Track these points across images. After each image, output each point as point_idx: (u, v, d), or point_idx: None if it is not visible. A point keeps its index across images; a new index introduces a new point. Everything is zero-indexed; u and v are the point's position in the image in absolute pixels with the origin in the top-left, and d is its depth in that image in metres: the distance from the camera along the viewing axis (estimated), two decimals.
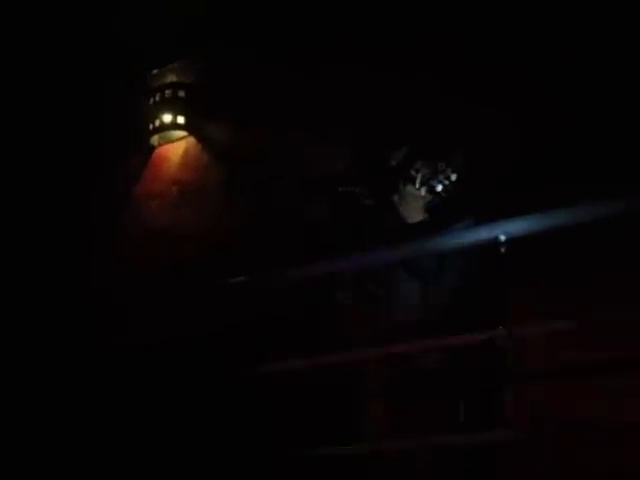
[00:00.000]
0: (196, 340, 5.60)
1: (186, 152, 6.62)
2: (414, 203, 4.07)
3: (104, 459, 5.69)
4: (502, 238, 3.41)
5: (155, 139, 6.72)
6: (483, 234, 3.53)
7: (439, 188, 3.93)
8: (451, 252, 3.74)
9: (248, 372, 4.00)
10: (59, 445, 5.94)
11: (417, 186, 4.00)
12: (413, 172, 4.04)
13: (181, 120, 6.60)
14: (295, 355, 3.94)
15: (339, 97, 5.59)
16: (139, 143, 6.75)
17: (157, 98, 6.65)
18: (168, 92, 6.63)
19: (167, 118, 6.60)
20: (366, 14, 5.55)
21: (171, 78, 6.67)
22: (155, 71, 6.72)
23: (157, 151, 6.76)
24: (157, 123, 6.63)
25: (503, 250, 3.41)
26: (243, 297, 4.50)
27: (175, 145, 6.69)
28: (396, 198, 4.15)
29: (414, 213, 4.09)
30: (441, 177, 3.92)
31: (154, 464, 5.40)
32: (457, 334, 3.59)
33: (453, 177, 3.92)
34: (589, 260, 4.37)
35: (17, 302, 6.48)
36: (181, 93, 6.63)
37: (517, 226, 3.43)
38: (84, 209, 6.75)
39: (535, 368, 4.32)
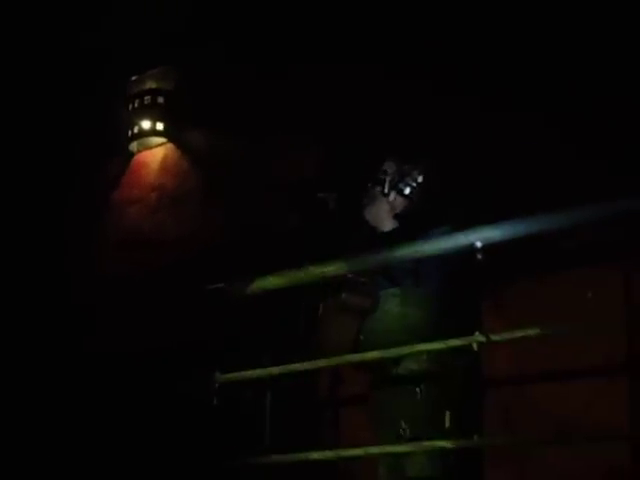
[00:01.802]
0: (167, 348, 5.62)
1: (165, 158, 6.63)
2: (384, 206, 4.08)
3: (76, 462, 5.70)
4: (478, 245, 3.41)
5: (134, 145, 6.72)
6: (459, 240, 3.54)
7: (407, 191, 3.93)
8: (428, 258, 3.75)
9: (213, 380, 4.00)
10: (34, 447, 5.93)
11: (386, 190, 4.00)
12: (381, 175, 4.06)
13: (160, 127, 6.61)
14: (271, 362, 3.95)
15: (315, 103, 5.60)
16: (118, 149, 6.75)
17: (136, 104, 6.66)
18: (147, 98, 6.63)
19: (146, 124, 6.60)
20: (335, 23, 5.57)
21: (150, 84, 6.67)
22: (134, 77, 6.71)
23: (136, 157, 6.76)
24: (136, 129, 6.63)
25: (480, 256, 3.42)
26: (220, 304, 4.49)
27: (154, 151, 6.69)
28: (366, 201, 4.16)
29: (385, 217, 4.09)
30: (408, 179, 3.93)
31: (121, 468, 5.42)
32: (435, 340, 3.60)
33: (419, 179, 3.92)
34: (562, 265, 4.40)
35: None
36: (160, 99, 6.64)
37: (494, 232, 3.44)
38: (62, 214, 6.74)
39: (511, 373, 4.35)
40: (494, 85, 4.83)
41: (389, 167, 4.08)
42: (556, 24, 4.72)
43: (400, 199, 4.01)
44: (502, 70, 4.88)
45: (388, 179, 4.01)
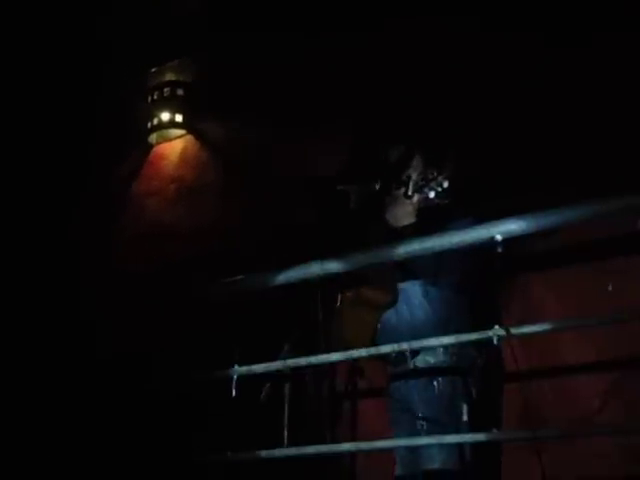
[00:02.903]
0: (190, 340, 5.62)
1: (184, 150, 6.62)
2: (407, 208, 4.05)
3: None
4: (499, 238, 3.41)
5: (153, 137, 6.72)
6: (480, 234, 3.53)
7: (431, 195, 3.92)
8: (448, 252, 3.73)
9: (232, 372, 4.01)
10: (45, 448, 5.94)
11: (410, 193, 3.98)
12: (405, 177, 4.03)
13: (179, 118, 6.60)
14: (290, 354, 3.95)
15: (337, 96, 5.58)
16: (137, 141, 6.75)
17: (155, 96, 6.65)
18: (166, 90, 6.63)
19: (165, 116, 6.59)
20: (361, 14, 5.55)
21: (170, 76, 6.67)
22: (154, 69, 6.71)
23: (155, 149, 6.75)
24: (155, 121, 6.63)
25: (500, 250, 3.41)
26: (236, 297, 4.49)
27: (173, 143, 6.68)
28: (388, 201, 4.14)
29: (406, 218, 4.06)
30: (433, 184, 3.91)
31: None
32: (455, 333, 3.59)
33: (445, 184, 3.91)
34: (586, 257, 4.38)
35: (4, 304, 6.46)
36: (179, 91, 6.63)
37: (514, 226, 3.43)
38: (80, 207, 6.74)
39: (532, 368, 4.33)
40: (521, 84, 4.80)
41: (414, 169, 4.05)
42: None
43: (423, 201, 3.99)
44: (527, 71, 4.86)
45: (412, 182, 3.99)
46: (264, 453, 3.93)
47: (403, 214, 4.04)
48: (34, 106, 6.77)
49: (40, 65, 6.70)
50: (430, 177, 3.95)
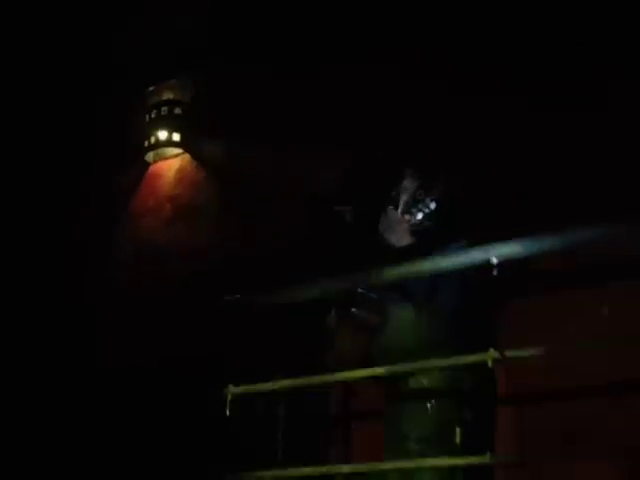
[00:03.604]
0: (180, 361, 5.60)
1: (181, 169, 6.63)
2: (400, 225, 4.05)
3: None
4: (494, 260, 3.40)
5: (150, 156, 6.73)
6: (475, 256, 3.53)
7: (419, 217, 3.94)
8: (444, 274, 3.74)
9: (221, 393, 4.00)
10: (45, 463, 5.92)
11: (399, 212, 4.00)
12: (396, 196, 4.04)
13: (176, 137, 6.61)
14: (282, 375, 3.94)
15: (332, 118, 5.60)
16: (134, 159, 6.76)
17: (153, 115, 6.66)
18: (164, 109, 6.64)
19: (163, 135, 6.60)
20: (358, 33, 5.57)
21: (167, 95, 6.68)
22: (152, 88, 6.72)
23: (152, 168, 6.76)
24: (152, 140, 6.64)
25: (495, 272, 3.40)
26: (233, 317, 4.48)
27: (170, 162, 6.69)
28: (383, 220, 4.14)
29: (401, 234, 4.06)
30: (420, 206, 3.93)
31: None
32: (449, 356, 3.59)
33: (432, 206, 3.92)
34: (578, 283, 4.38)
35: (6, 316, 6.46)
36: (177, 110, 6.65)
37: (510, 249, 3.43)
38: (76, 224, 6.74)
39: (525, 391, 4.33)
40: (513, 99, 4.81)
41: (404, 188, 4.06)
42: None
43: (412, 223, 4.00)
44: (518, 81, 4.88)
45: (402, 202, 4.00)
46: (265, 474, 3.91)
47: (398, 235, 4.04)
48: (32, 124, 6.79)
49: (39, 83, 6.73)
50: (418, 198, 3.96)
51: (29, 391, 6.19)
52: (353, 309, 4.02)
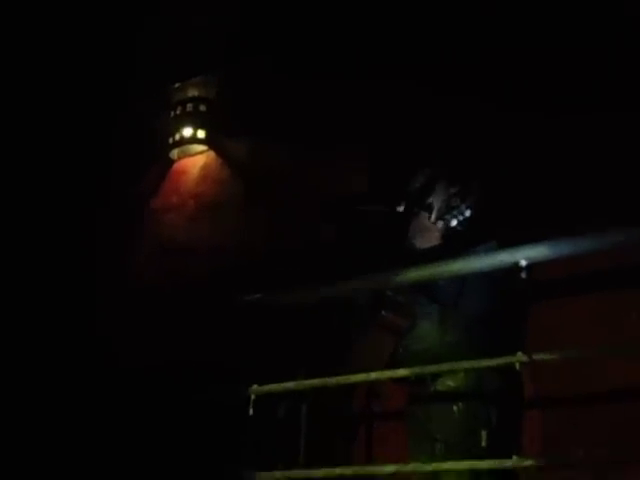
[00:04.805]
0: (202, 361, 5.60)
1: (205, 166, 6.62)
2: (431, 230, 4.03)
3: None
4: (523, 263, 3.38)
5: (175, 152, 6.72)
6: (504, 258, 3.51)
7: (454, 223, 3.92)
8: (471, 276, 3.72)
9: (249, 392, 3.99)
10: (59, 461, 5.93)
11: (433, 220, 3.98)
12: (428, 204, 4.02)
13: (201, 134, 6.60)
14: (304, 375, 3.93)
15: (360, 115, 5.57)
16: (159, 156, 6.75)
17: (178, 112, 6.66)
18: (189, 106, 6.63)
19: (187, 132, 6.59)
20: (386, 32, 5.54)
21: (193, 92, 6.67)
22: (177, 85, 6.71)
23: (176, 165, 6.76)
24: (177, 137, 6.63)
25: (524, 275, 3.39)
26: (256, 316, 4.48)
27: (194, 159, 6.68)
28: (412, 223, 4.12)
29: (431, 238, 4.05)
30: (456, 212, 3.91)
31: None
32: (476, 359, 3.56)
33: (467, 213, 3.91)
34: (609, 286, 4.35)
35: (23, 313, 6.47)
36: (202, 107, 6.64)
37: (538, 251, 3.41)
38: (101, 221, 6.74)
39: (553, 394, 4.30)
40: (542, 103, 4.79)
41: (437, 196, 4.04)
42: None
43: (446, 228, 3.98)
44: (548, 88, 4.85)
45: (436, 209, 3.99)
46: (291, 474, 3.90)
47: (426, 238, 4.03)
48: (56, 121, 6.79)
49: (64, 80, 6.73)
50: (453, 205, 3.95)
51: (46, 391, 6.19)
52: (383, 312, 4.00)
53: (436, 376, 3.87)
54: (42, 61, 6.76)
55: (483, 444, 3.78)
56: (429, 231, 4.03)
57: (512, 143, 4.83)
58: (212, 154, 6.61)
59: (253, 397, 4.00)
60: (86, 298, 6.54)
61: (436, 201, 4.02)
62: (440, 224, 3.98)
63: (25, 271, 6.63)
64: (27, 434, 6.08)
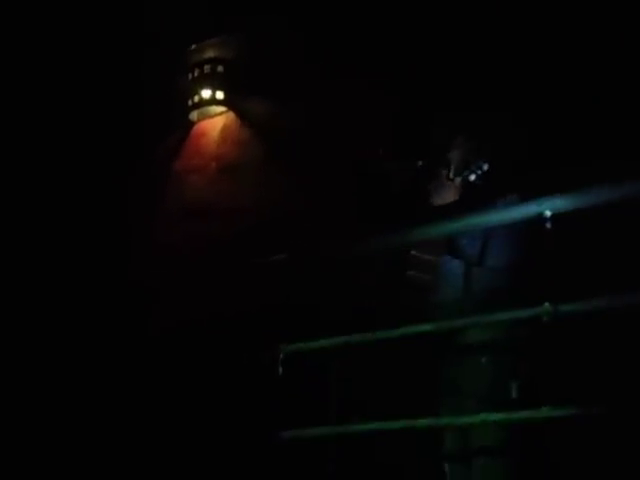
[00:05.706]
0: (232, 320, 5.62)
1: (225, 127, 6.62)
2: (449, 186, 4.02)
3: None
4: (548, 214, 3.36)
5: (194, 114, 6.73)
6: (528, 210, 3.49)
7: (472, 178, 3.90)
8: (495, 229, 3.70)
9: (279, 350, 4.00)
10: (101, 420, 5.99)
11: (451, 175, 3.97)
12: (447, 159, 4.01)
13: (220, 95, 6.60)
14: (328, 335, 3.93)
15: (380, 75, 5.54)
16: (178, 119, 6.76)
17: (196, 74, 6.66)
18: (207, 68, 6.63)
19: (206, 94, 6.60)
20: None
21: (210, 54, 6.67)
22: (194, 47, 6.70)
23: (196, 126, 6.76)
24: (196, 99, 6.64)
25: (549, 226, 3.37)
26: (279, 277, 4.49)
27: (214, 120, 6.69)
28: (431, 179, 4.11)
29: (449, 194, 4.04)
30: (473, 167, 3.89)
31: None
32: (502, 311, 3.56)
33: (485, 167, 3.89)
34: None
35: (52, 283, 6.52)
36: (220, 68, 6.63)
37: (563, 202, 3.38)
38: (123, 185, 6.76)
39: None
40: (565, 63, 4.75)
41: (455, 151, 4.02)
42: None
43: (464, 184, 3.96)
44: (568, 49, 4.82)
45: (453, 165, 3.97)
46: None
47: (446, 194, 4.02)
48: (77, 88, 6.79)
49: (82, 46, 6.72)
50: (471, 160, 3.93)
51: (82, 357, 6.25)
52: (408, 272, 4.00)
53: (465, 330, 3.87)
54: (60, 32, 6.76)
55: (514, 396, 3.79)
56: (445, 186, 4.01)
57: (531, 95, 4.80)
58: (231, 115, 6.61)
59: (282, 356, 4.01)
60: (119, 257, 6.58)
61: (454, 157, 4.01)
62: (458, 180, 3.96)
63: (65, 231, 6.68)
64: (66, 397, 6.17)
